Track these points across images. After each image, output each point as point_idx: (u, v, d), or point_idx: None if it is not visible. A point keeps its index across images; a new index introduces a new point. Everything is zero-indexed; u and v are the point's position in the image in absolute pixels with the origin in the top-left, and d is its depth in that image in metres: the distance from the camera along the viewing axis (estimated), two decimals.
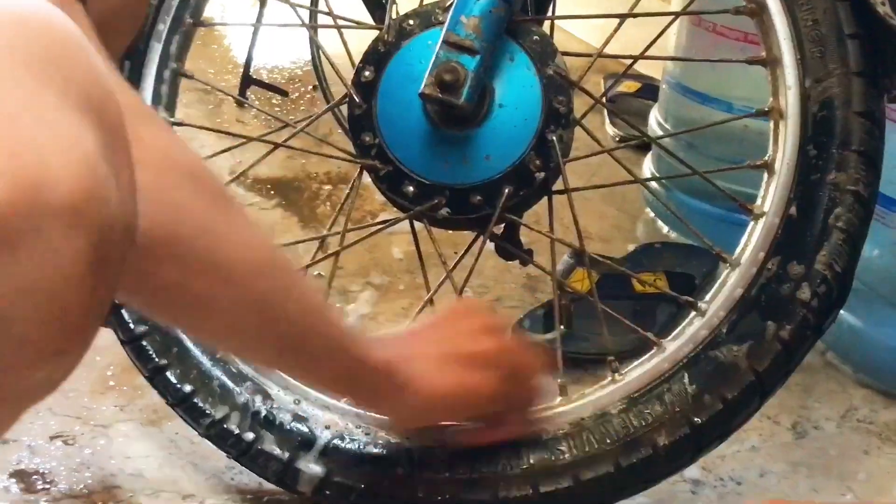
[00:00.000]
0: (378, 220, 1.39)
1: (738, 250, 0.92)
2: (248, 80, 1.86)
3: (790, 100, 0.89)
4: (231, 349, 0.93)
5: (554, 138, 0.92)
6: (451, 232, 1.05)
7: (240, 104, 1.90)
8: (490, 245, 0.99)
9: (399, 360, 0.83)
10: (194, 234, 0.63)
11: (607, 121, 1.96)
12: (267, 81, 1.97)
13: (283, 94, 1.94)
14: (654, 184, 1.60)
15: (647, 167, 1.69)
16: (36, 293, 0.38)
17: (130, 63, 1.01)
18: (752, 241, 0.91)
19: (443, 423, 0.92)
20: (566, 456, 0.90)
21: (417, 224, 0.98)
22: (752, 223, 0.92)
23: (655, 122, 1.70)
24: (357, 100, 0.95)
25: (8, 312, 0.37)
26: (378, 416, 0.93)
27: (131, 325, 0.98)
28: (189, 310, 0.68)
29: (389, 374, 0.82)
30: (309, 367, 0.81)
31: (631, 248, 1.49)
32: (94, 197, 0.39)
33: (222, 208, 0.67)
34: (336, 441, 0.94)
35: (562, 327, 1.22)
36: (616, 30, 0.95)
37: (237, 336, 0.74)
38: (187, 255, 0.63)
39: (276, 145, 1.03)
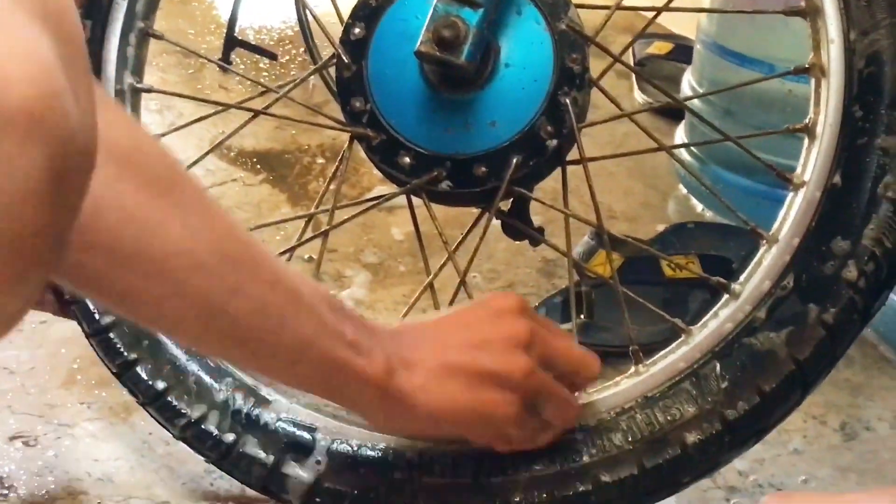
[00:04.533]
0: (373, 195, 1.39)
1: (776, 225, 0.91)
2: (232, 42, 1.86)
3: (833, 55, 0.88)
4: (180, 343, 0.95)
5: (567, 101, 0.91)
6: (455, 209, 1.05)
7: (223, 69, 1.91)
8: (497, 223, 0.99)
9: (396, 366, 0.79)
10: (118, 224, 0.64)
11: (635, 86, 1.96)
12: (253, 43, 1.97)
13: (272, 56, 1.94)
14: (684, 154, 1.60)
15: (680, 138, 1.69)
16: None
17: (92, 22, 1.01)
18: (791, 214, 0.90)
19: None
20: (584, 458, 0.90)
21: (416, 200, 0.98)
22: (791, 195, 0.91)
23: (689, 86, 1.69)
24: (346, 60, 0.95)
25: None
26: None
27: (97, 316, 0.98)
28: (120, 301, 0.69)
29: (381, 384, 0.78)
30: (275, 369, 0.79)
31: (661, 228, 1.49)
32: (52, 106, 0.39)
33: (159, 195, 0.66)
34: (327, 443, 0.94)
35: (581, 316, 1.23)
36: None
37: (177, 331, 0.76)
38: (112, 245, 0.64)
39: (257, 112, 1.03)
